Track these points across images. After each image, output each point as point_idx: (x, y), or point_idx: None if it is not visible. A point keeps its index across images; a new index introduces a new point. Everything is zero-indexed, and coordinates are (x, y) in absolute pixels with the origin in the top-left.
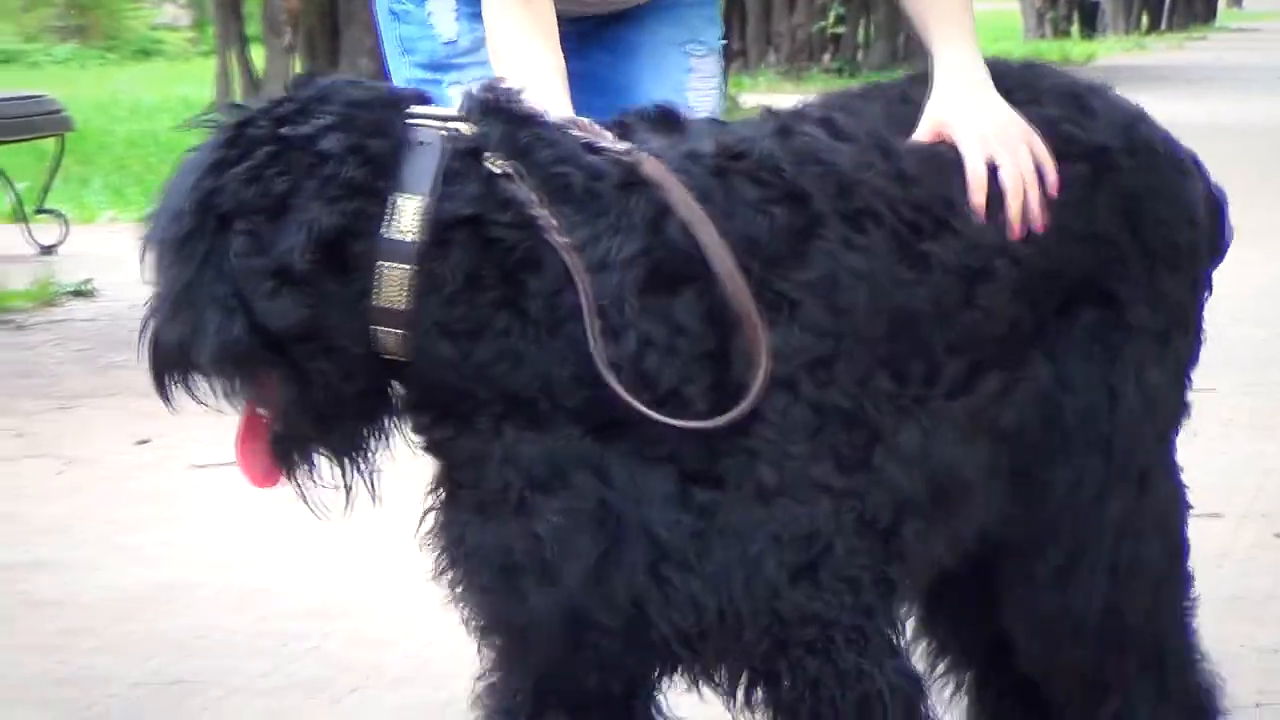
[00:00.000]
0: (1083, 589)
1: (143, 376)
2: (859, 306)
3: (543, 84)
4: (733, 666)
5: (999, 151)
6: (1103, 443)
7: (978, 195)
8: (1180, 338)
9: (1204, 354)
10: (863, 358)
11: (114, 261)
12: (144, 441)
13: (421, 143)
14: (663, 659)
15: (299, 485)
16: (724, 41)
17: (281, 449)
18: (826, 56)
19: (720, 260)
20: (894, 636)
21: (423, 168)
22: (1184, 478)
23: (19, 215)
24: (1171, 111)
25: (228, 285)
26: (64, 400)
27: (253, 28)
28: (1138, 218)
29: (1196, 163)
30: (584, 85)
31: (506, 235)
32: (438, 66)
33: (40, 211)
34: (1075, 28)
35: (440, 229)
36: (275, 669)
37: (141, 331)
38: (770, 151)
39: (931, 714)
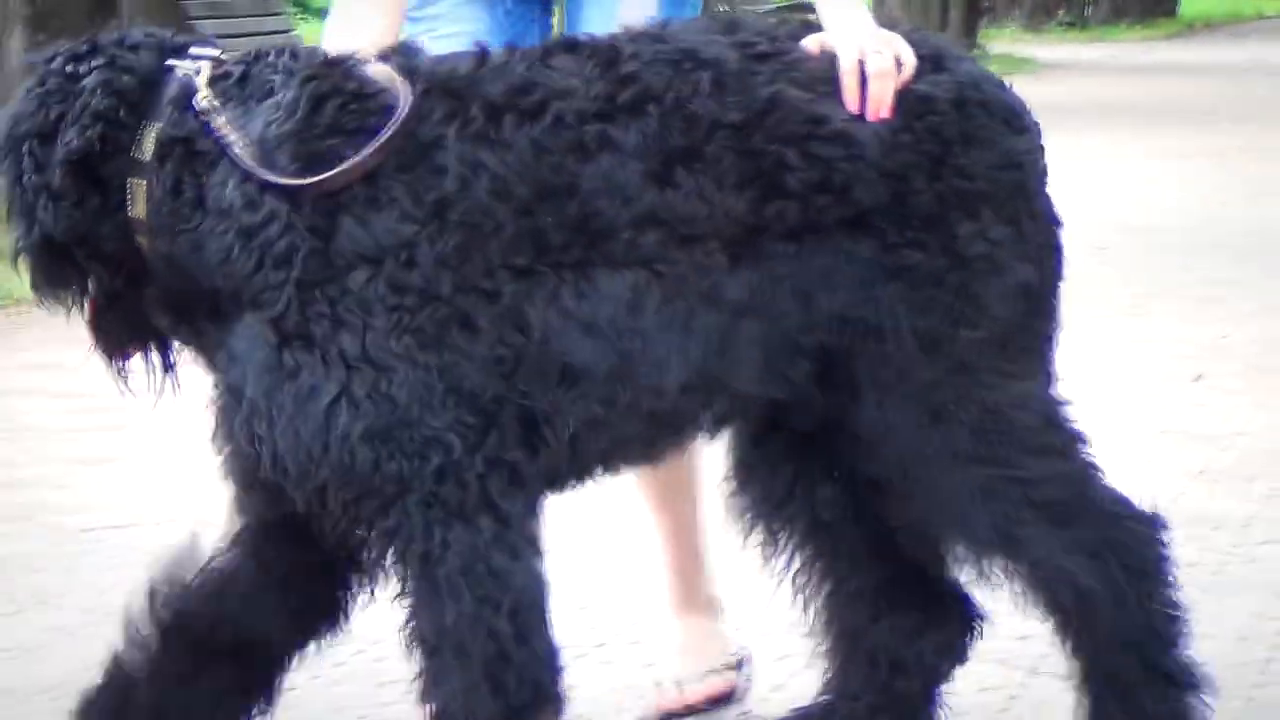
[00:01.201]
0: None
1: None
2: (472, 195)
3: (358, 20)
4: (331, 519)
5: (869, 48)
6: (882, 367)
7: (849, 79)
8: (980, 280)
9: None
10: (468, 237)
11: None
12: None
13: (178, 81)
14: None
15: (117, 370)
16: None
17: (99, 338)
18: (1060, 11)
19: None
20: (492, 499)
21: (165, 101)
22: None
23: None
24: None
25: (26, 197)
26: None
27: None
28: (942, 165)
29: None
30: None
31: (204, 147)
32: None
33: None
34: None
35: (162, 149)
36: None
37: None
38: (456, 73)
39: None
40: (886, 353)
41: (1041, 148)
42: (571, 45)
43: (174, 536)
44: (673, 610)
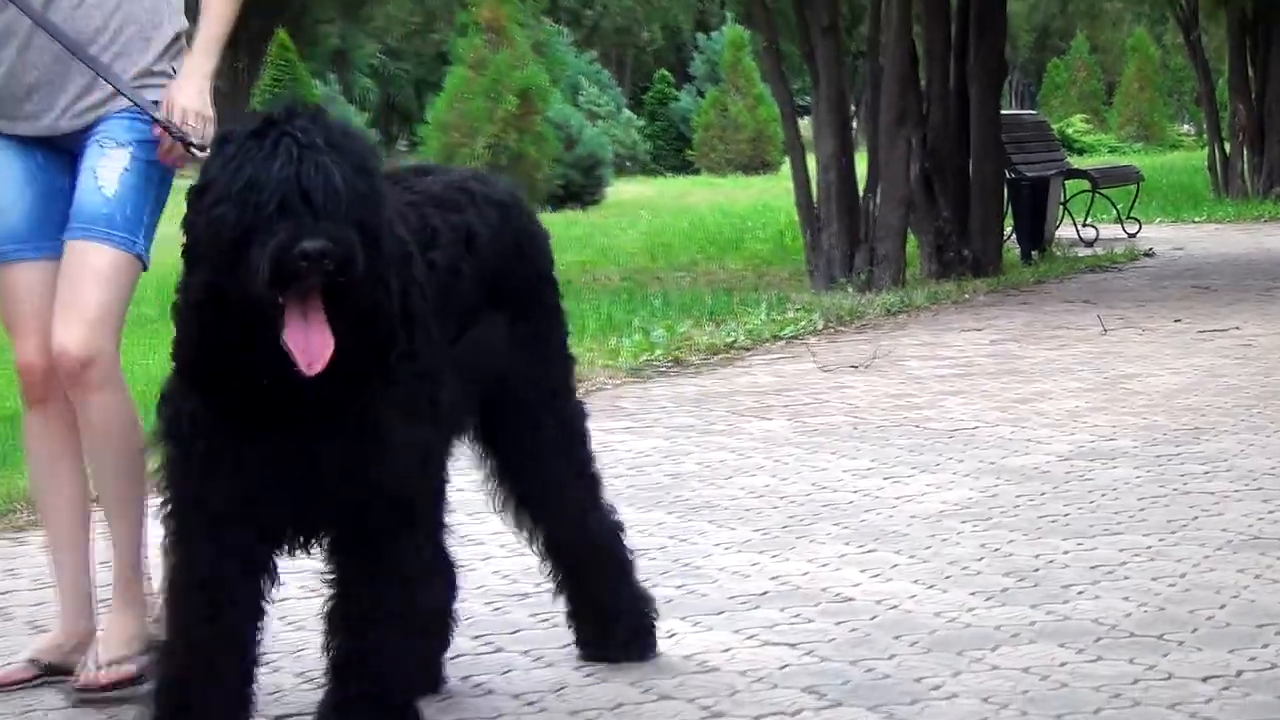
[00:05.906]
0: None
1: (1174, 289)
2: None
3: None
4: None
5: (180, 114)
6: (510, 397)
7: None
8: (554, 337)
9: None
10: (440, 324)
11: (1154, 241)
12: (1178, 320)
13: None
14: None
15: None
16: (148, 140)
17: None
18: None
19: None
20: (436, 515)
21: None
22: None
23: (1119, 219)
24: None
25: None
26: (1142, 298)
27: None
28: (527, 251)
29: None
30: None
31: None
32: None
33: (1128, 218)
34: None
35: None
36: None
37: None
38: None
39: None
40: (510, 389)
41: None
42: (416, 170)
43: (991, 431)
44: (111, 606)
